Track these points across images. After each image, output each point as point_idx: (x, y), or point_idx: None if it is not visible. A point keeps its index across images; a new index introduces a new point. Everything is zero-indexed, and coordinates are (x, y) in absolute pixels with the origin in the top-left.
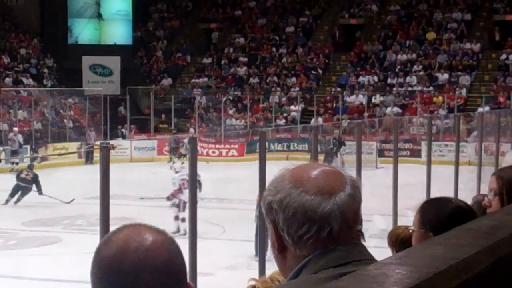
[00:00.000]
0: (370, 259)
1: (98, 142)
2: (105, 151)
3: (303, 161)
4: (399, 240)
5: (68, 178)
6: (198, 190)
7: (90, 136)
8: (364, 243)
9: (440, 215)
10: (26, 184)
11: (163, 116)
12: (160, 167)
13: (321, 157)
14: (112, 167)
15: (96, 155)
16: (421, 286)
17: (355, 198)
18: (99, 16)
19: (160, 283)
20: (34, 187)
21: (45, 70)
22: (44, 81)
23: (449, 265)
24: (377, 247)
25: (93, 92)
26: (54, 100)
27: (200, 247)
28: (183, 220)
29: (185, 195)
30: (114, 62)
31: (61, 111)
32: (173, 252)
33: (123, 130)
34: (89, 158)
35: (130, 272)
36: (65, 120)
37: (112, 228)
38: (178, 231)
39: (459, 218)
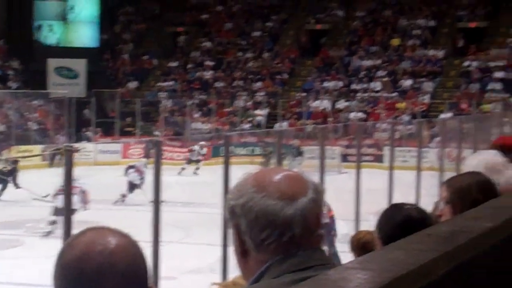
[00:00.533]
0: (331, 264)
1: (62, 145)
2: (69, 154)
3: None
4: (360, 245)
5: (32, 181)
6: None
7: (60, 140)
8: (325, 248)
9: (388, 223)
10: (1, 176)
11: (129, 119)
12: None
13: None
14: (76, 170)
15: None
16: None
17: (317, 203)
18: (66, 18)
19: (123, 287)
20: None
21: (10, 72)
22: (9, 83)
23: (409, 270)
24: (340, 251)
25: (58, 95)
26: (19, 103)
27: (164, 251)
28: (52, 222)
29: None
30: (80, 65)
31: (26, 113)
32: (136, 256)
33: (88, 133)
34: (53, 161)
35: (93, 276)
36: (29, 123)
37: (74, 231)
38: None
39: (406, 227)
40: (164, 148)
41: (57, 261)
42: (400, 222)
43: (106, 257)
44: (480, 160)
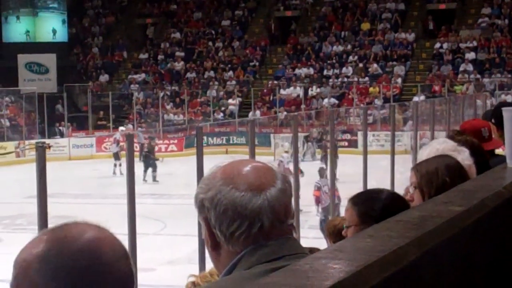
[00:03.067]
0: (302, 253)
1: (33, 141)
2: (41, 150)
3: (242, 154)
4: (336, 231)
5: (7, 178)
6: None
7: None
8: (296, 236)
9: (375, 205)
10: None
11: (101, 113)
12: (100, 164)
13: (259, 150)
14: (51, 165)
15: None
16: (351, 279)
17: (286, 193)
18: (34, 13)
19: (129, 267)
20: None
21: None
22: None
23: (378, 258)
24: (316, 237)
25: (29, 91)
26: None
27: (140, 243)
28: None
29: None
30: (50, 60)
31: None
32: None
33: (61, 128)
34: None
35: (111, 258)
36: (1, 120)
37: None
38: None
39: (394, 206)
40: (137, 140)
41: (52, 256)
42: (386, 203)
43: (110, 241)
44: (430, 150)
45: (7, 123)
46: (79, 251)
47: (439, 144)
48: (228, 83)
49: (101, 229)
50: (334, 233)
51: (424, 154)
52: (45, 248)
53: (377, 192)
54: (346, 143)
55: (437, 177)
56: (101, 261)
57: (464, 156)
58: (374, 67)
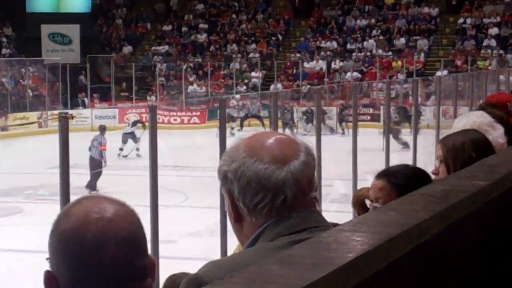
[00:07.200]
0: (325, 226)
1: (56, 112)
2: (64, 121)
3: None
4: (359, 201)
5: (29, 148)
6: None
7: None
8: (319, 209)
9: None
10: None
11: (124, 84)
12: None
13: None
14: (73, 136)
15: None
16: (374, 252)
17: (309, 165)
18: None
19: (123, 254)
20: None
21: (3, 39)
22: (3, 51)
23: (402, 231)
24: (338, 211)
25: (52, 61)
26: (14, 70)
27: (162, 215)
28: None
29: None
30: (73, 30)
31: (21, 80)
32: (134, 224)
33: (84, 99)
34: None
35: (93, 244)
36: (24, 90)
37: (72, 198)
38: None
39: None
40: (160, 112)
41: (54, 230)
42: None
43: (104, 225)
44: (467, 121)
45: (30, 93)
46: (64, 232)
47: (477, 117)
48: (251, 55)
49: (119, 203)
50: (357, 203)
51: (460, 124)
52: (56, 219)
53: (405, 167)
54: (368, 117)
55: (463, 152)
56: (81, 245)
57: (498, 133)
58: (402, 42)
